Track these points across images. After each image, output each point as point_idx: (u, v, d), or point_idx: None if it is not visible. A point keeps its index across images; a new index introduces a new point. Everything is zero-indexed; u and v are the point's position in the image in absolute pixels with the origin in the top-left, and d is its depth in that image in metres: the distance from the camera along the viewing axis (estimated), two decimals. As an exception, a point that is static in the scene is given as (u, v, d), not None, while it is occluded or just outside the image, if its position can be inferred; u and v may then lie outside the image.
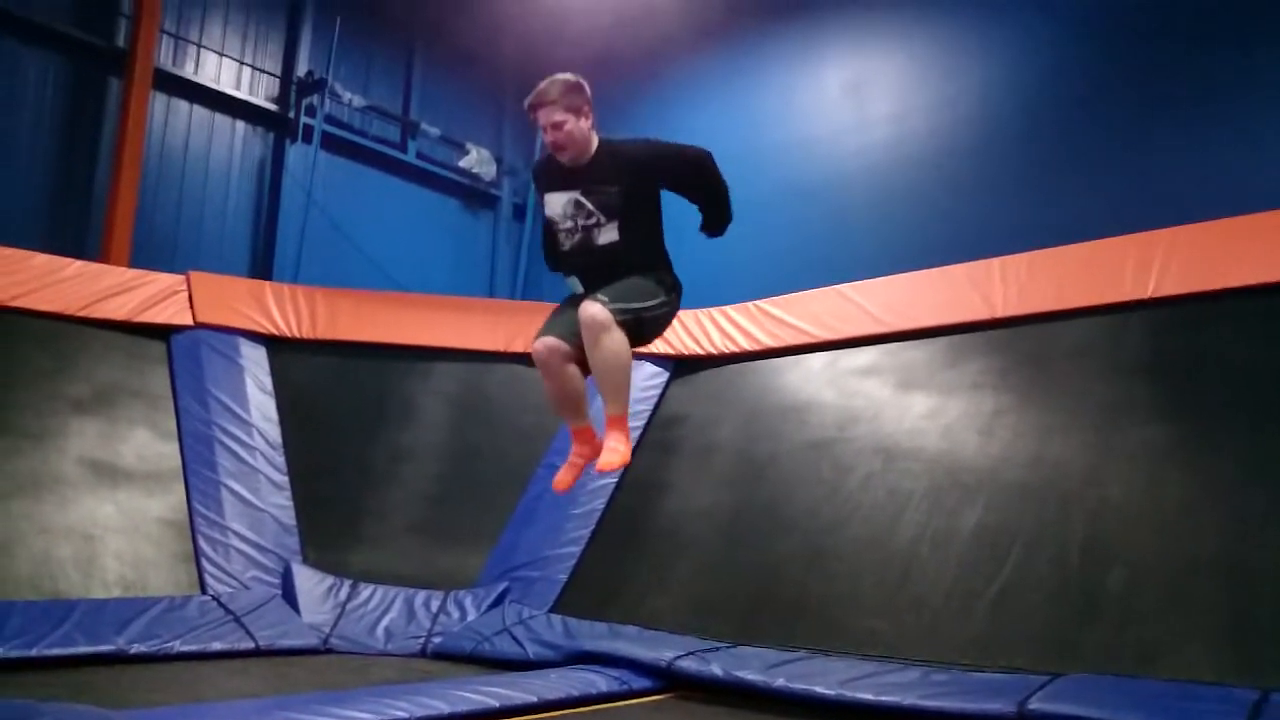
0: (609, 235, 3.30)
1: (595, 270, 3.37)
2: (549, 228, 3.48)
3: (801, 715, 4.18)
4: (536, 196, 3.60)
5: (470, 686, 4.16)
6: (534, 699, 4.13)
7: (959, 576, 5.00)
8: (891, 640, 4.93)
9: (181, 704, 3.89)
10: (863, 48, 10.02)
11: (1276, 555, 4.27)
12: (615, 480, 6.60)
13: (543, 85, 3.38)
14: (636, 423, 6.99)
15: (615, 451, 3.46)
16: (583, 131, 3.37)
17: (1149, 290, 5.47)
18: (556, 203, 3.39)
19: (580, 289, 3.40)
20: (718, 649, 4.93)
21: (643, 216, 3.35)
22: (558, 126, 3.34)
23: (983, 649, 4.64)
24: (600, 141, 3.40)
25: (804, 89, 10.33)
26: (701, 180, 3.48)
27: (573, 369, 3.40)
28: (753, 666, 4.52)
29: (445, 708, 3.83)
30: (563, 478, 3.72)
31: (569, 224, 3.37)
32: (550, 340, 3.40)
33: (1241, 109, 7.41)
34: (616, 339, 3.19)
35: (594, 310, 3.20)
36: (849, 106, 9.92)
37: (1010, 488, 5.22)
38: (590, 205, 3.28)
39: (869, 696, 4.07)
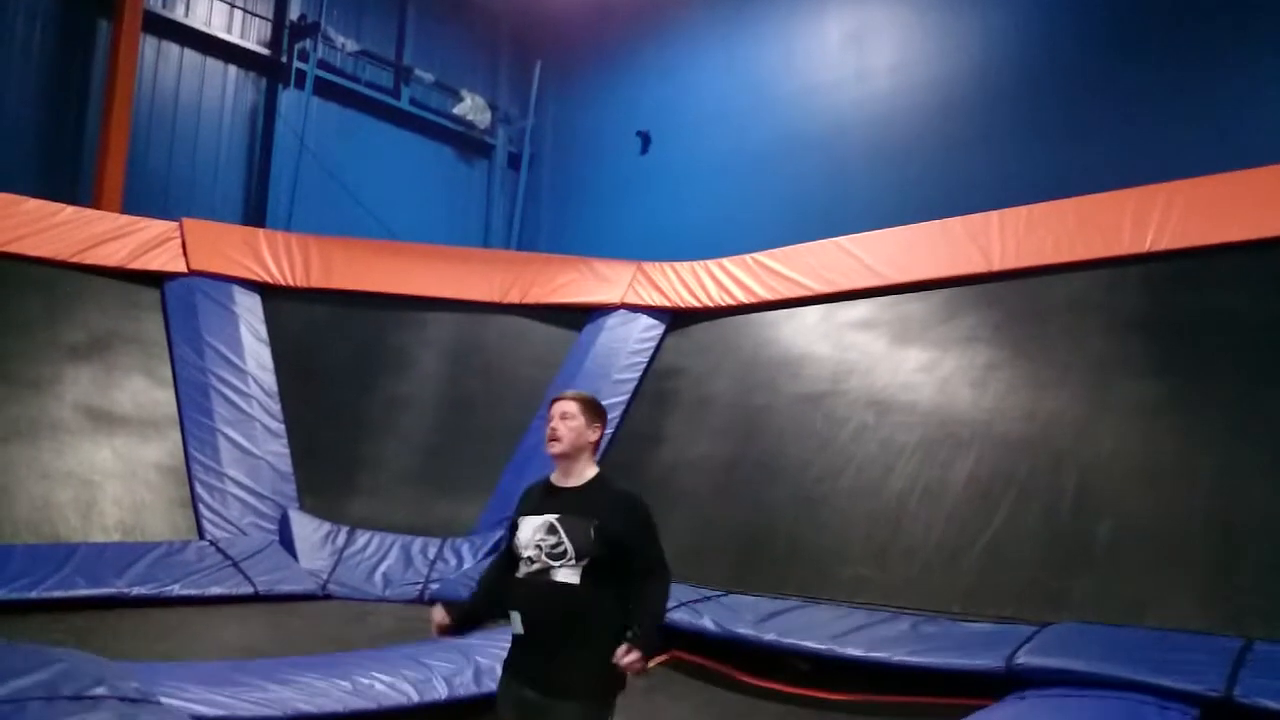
0: (568, 575, 2.78)
1: (538, 617, 2.80)
2: (510, 554, 2.94)
3: (793, 670, 4.23)
4: (510, 528, 2.95)
5: (464, 648, 4.18)
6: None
7: (950, 527, 5.06)
8: (883, 588, 4.99)
9: (186, 656, 3.93)
10: (864, -4, 9.88)
11: (1263, 509, 4.33)
12: (610, 431, 6.63)
13: (569, 392, 3.05)
14: (632, 374, 7.01)
15: None
16: (584, 437, 2.97)
17: (1146, 244, 5.47)
18: (528, 527, 2.88)
19: (520, 629, 2.78)
20: (709, 598, 4.99)
21: (610, 576, 2.79)
22: (565, 416, 2.95)
23: (972, 598, 4.70)
24: (598, 475, 2.99)
25: (805, 38, 10.20)
26: (647, 562, 2.83)
27: None
28: (744, 619, 4.56)
29: (445, 688, 3.85)
30: None
31: (531, 550, 2.82)
32: None
33: (1241, 64, 7.35)
34: None
35: None
36: (849, 57, 9.81)
37: (1003, 440, 5.26)
38: (562, 532, 2.80)
39: (858, 653, 4.10)
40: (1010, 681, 3.72)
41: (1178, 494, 4.60)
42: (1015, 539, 4.86)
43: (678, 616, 4.69)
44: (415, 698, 3.71)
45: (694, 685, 4.41)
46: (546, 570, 2.78)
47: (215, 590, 5.33)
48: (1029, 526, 4.87)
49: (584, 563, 2.77)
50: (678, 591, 5.04)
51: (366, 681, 3.69)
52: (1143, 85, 7.85)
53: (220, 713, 3.23)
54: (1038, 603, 4.52)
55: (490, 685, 3.77)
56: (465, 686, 3.87)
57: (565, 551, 2.80)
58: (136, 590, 5.07)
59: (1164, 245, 5.43)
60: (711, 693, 4.34)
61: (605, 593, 2.78)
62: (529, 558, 2.82)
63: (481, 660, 4.01)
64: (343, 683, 3.63)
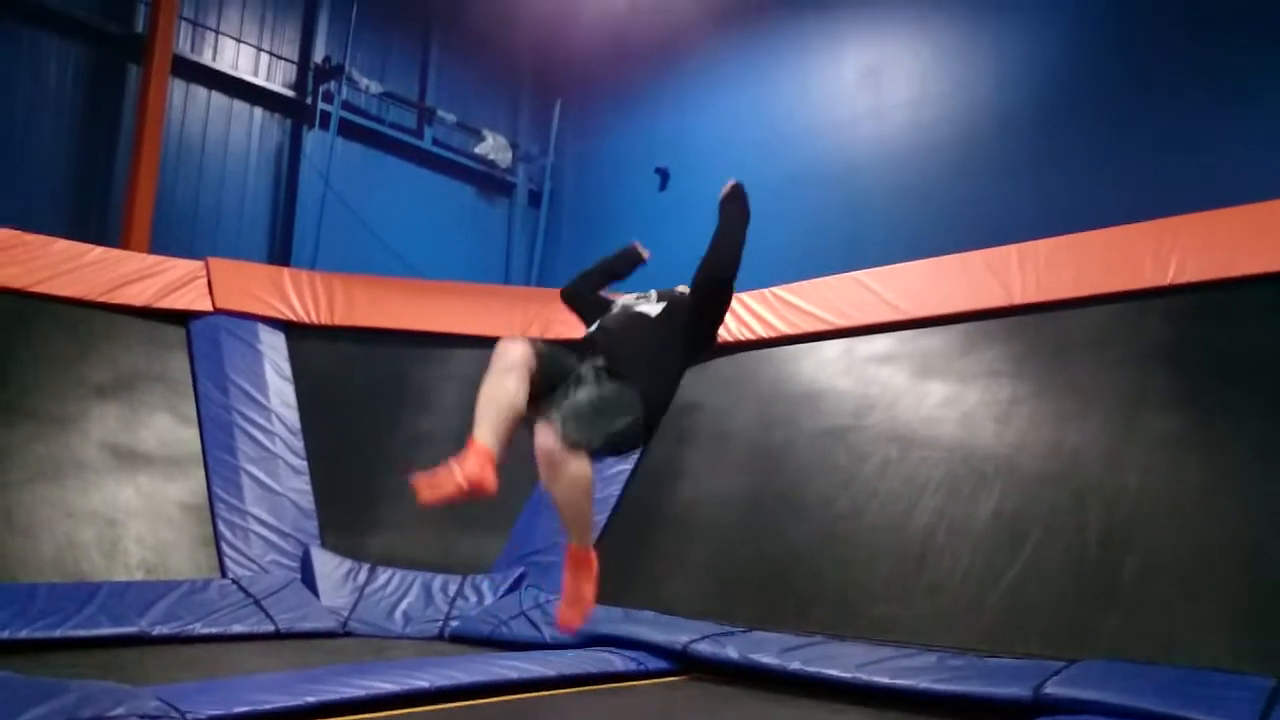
0: (647, 308, 3.46)
1: (614, 324, 3.46)
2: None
3: (817, 698, 4.20)
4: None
5: (489, 661, 4.22)
6: (552, 673, 4.18)
7: (975, 563, 5.01)
8: (908, 626, 4.95)
9: (204, 680, 3.95)
10: (880, 33, 9.97)
11: (1295, 543, 4.26)
12: (631, 467, 6.63)
13: None
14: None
15: (578, 603, 3.26)
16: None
17: (1168, 278, 5.44)
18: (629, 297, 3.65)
19: (593, 329, 3.49)
20: (733, 633, 4.95)
21: (680, 330, 3.42)
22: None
23: (999, 635, 4.65)
24: None
25: (821, 74, 10.29)
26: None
27: (519, 385, 3.04)
28: (768, 650, 4.54)
29: (465, 679, 3.90)
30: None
31: (627, 298, 3.60)
32: (524, 348, 3.05)
33: (1263, 95, 7.35)
34: (571, 473, 2.92)
35: (544, 442, 2.93)
36: (866, 92, 9.88)
37: (1027, 475, 5.21)
38: (655, 294, 3.56)
39: (885, 680, 4.09)
40: (1037, 709, 3.67)
41: (1205, 529, 4.54)
42: (1041, 576, 4.81)
43: (700, 648, 4.67)
44: (437, 683, 3.80)
45: (718, 690, 4.44)
46: (629, 306, 3.45)
47: (237, 628, 5.34)
48: (1055, 563, 4.81)
49: (663, 305, 3.41)
50: (700, 627, 5.03)
51: (389, 674, 3.82)
52: (1163, 117, 7.86)
53: (241, 709, 3.26)
54: (1065, 640, 4.46)
55: (509, 675, 4.07)
56: (487, 675, 4.01)
57: (650, 294, 3.46)
58: (159, 629, 5.08)
59: (1186, 278, 5.39)
60: (738, 693, 4.37)
61: (673, 341, 3.34)
62: (624, 304, 3.53)
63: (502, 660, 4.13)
64: (366, 678, 3.74)
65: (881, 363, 6.36)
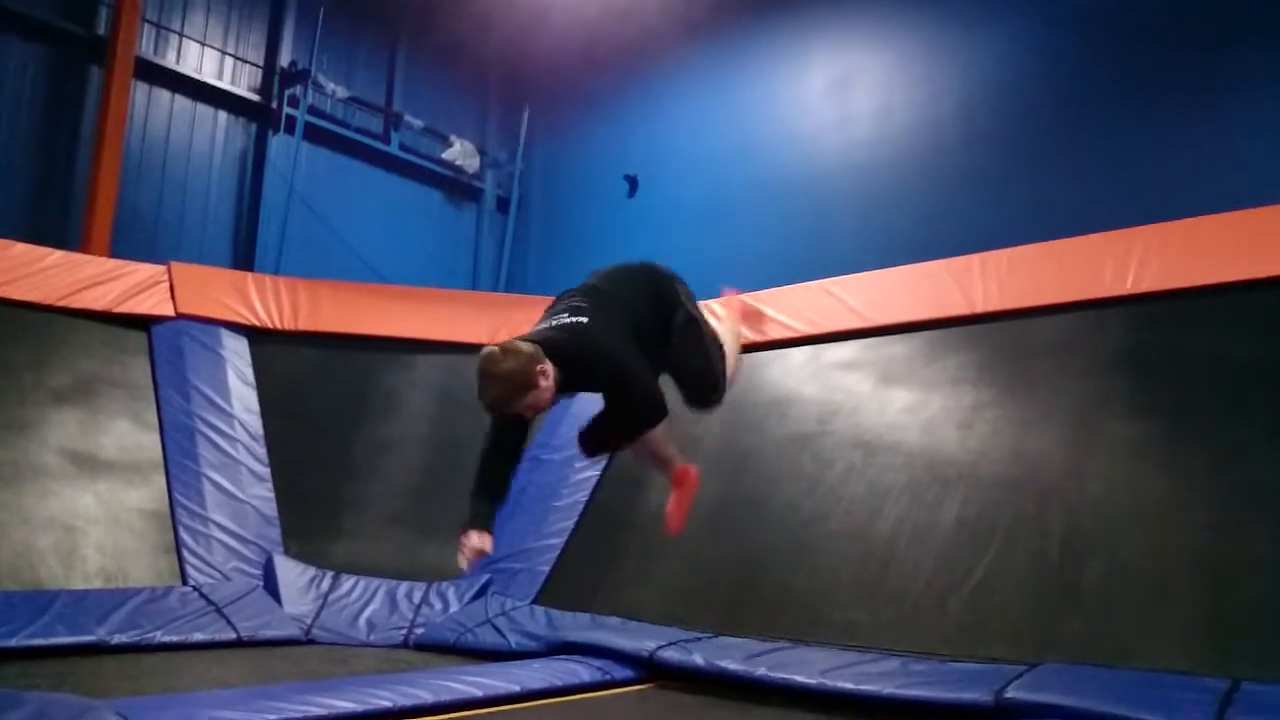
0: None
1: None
2: None
3: (782, 704, 4.22)
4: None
5: (453, 676, 4.18)
6: (517, 688, 4.15)
7: (938, 569, 5.05)
8: (871, 631, 4.98)
9: (164, 693, 3.89)
10: (847, 44, 10.06)
11: (1250, 549, 4.34)
12: (598, 473, 6.62)
13: (491, 395, 3.28)
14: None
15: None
16: (548, 396, 3.38)
17: (1127, 286, 5.53)
18: None
19: None
20: (699, 639, 4.96)
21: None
22: (532, 409, 3.36)
23: (961, 640, 4.69)
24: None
25: (788, 85, 10.37)
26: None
27: None
28: (734, 656, 4.55)
29: (429, 697, 3.85)
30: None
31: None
32: None
33: (1222, 107, 7.50)
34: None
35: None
36: (833, 103, 9.96)
37: (989, 481, 5.27)
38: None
39: (849, 685, 4.11)
40: (999, 714, 3.71)
41: (1164, 535, 4.61)
42: (1003, 580, 4.86)
43: (667, 655, 4.67)
44: (400, 701, 3.74)
45: (685, 699, 4.42)
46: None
47: (198, 636, 5.27)
48: (1017, 568, 4.87)
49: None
50: (666, 632, 5.04)
51: (352, 692, 3.75)
52: (1124, 129, 8.00)
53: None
54: (1026, 644, 4.51)
55: (474, 692, 3.98)
56: (451, 692, 3.95)
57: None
58: (118, 638, 5.00)
59: (1145, 287, 5.49)
60: (705, 701, 4.35)
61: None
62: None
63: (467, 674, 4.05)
64: (327, 696, 3.68)
65: (846, 370, 6.41)
